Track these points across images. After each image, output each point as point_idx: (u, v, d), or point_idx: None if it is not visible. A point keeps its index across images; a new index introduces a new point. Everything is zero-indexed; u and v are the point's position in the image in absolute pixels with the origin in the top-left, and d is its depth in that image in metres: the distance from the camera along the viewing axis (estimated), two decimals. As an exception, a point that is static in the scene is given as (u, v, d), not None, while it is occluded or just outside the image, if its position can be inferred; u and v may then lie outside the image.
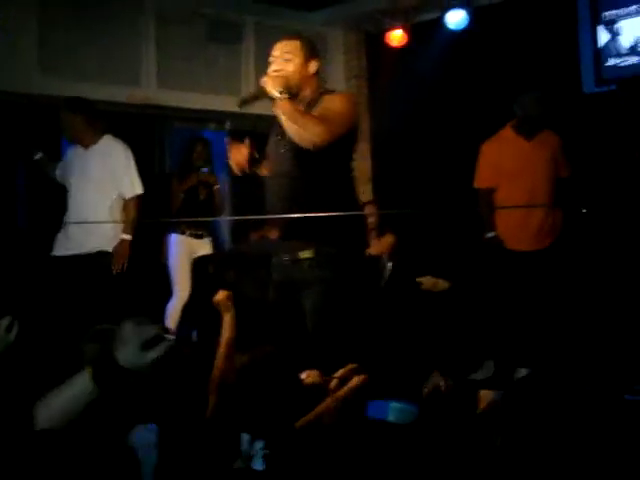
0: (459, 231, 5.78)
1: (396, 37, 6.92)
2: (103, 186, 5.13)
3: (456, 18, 6.52)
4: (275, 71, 3.23)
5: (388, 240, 5.79)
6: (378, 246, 5.65)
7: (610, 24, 6.22)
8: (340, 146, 3.20)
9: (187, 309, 5.93)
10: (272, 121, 3.32)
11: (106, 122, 5.31)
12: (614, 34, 6.21)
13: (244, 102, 3.27)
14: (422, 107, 6.66)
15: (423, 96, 6.65)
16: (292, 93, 3.15)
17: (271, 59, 3.28)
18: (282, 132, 3.23)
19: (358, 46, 7.54)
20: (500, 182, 5.22)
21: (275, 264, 3.46)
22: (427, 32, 6.80)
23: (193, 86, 6.61)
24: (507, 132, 5.30)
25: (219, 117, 7.17)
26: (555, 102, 5.33)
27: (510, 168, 5.19)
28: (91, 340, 2.52)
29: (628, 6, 6.09)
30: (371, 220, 5.75)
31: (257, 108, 7.08)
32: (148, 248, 6.38)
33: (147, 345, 1.71)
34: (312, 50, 3.31)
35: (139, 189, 5.24)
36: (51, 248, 5.15)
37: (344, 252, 3.26)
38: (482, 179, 5.31)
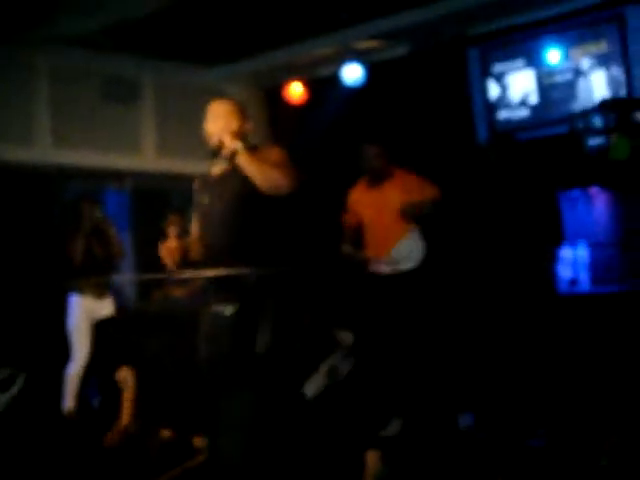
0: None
1: (295, 93, 7.01)
2: None
3: (353, 74, 6.66)
4: (222, 128, 3.46)
5: None
6: None
7: (500, 78, 6.46)
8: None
9: (88, 375, 5.74)
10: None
11: None
12: (504, 87, 6.45)
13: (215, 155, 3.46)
14: (320, 161, 6.73)
15: (322, 151, 6.73)
16: (249, 146, 3.39)
17: (210, 117, 3.51)
18: (217, 187, 3.44)
19: (258, 102, 7.58)
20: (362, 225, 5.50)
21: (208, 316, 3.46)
22: (325, 88, 6.92)
23: (90, 144, 6.49)
24: (362, 183, 5.52)
25: (118, 175, 7.07)
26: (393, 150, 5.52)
27: (362, 216, 5.47)
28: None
29: (515, 60, 6.34)
30: None
31: (159, 166, 7.05)
32: (49, 310, 6.19)
33: None
34: (246, 111, 3.59)
35: None
36: None
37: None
38: (347, 218, 5.57)
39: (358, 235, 5.56)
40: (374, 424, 3.67)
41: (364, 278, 5.51)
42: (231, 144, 3.36)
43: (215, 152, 3.44)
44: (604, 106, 5.43)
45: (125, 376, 2.95)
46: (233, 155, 3.36)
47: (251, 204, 3.37)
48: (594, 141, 5.38)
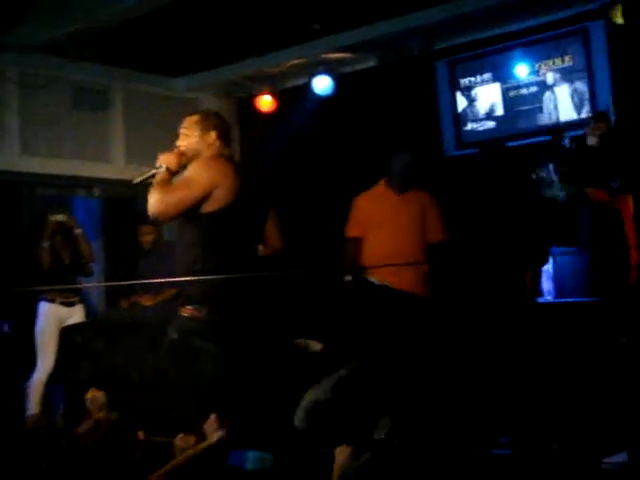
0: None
1: (265, 102, 7.05)
2: None
3: (323, 84, 6.71)
4: (177, 146, 3.53)
5: None
6: None
7: (467, 90, 6.55)
8: (197, 211, 3.32)
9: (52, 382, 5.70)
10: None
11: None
12: (471, 100, 6.54)
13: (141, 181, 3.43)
14: (291, 169, 6.78)
15: (292, 159, 6.78)
16: (172, 169, 3.37)
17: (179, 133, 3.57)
18: None
19: (229, 111, 7.60)
20: (368, 232, 5.31)
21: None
22: (295, 97, 6.97)
23: (59, 152, 6.50)
24: (380, 187, 5.38)
25: (87, 183, 7.07)
26: (423, 163, 5.49)
27: (378, 219, 5.29)
28: None
29: (482, 74, 6.43)
30: None
31: (128, 175, 7.07)
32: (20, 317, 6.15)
33: None
34: (209, 122, 3.55)
35: None
36: None
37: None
38: (352, 229, 5.37)
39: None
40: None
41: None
42: (159, 162, 3.37)
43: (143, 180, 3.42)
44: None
45: (94, 397, 2.93)
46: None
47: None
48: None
